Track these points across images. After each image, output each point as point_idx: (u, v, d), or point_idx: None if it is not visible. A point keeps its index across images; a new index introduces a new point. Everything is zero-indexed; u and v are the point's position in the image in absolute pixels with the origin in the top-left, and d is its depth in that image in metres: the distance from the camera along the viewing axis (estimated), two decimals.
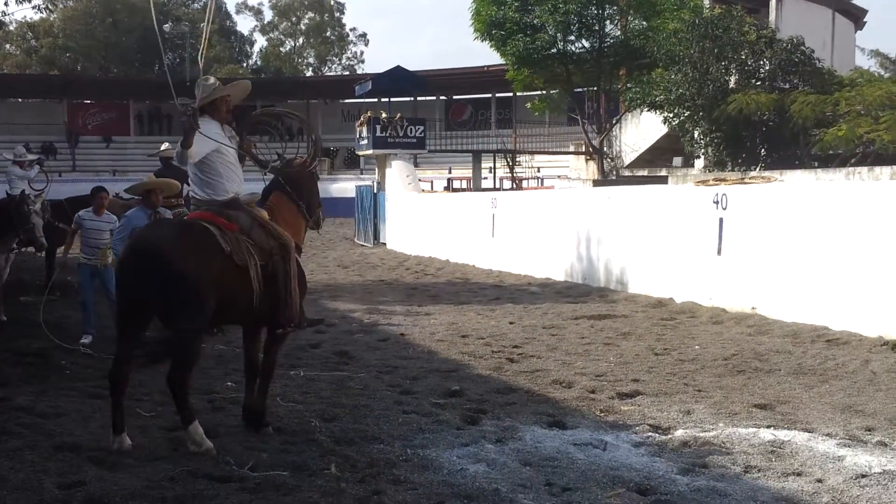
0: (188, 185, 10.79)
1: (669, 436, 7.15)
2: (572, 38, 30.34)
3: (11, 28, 52.79)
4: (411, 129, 31.33)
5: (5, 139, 49.06)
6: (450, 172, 44.33)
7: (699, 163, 26.31)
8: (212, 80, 7.35)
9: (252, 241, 7.04)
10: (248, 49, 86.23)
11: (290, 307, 7.24)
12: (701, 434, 7.11)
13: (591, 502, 5.64)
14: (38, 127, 54.72)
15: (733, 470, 6.27)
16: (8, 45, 73.98)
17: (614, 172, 32.66)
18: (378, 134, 30.92)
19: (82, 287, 11.61)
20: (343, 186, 43.77)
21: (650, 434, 7.18)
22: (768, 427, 7.31)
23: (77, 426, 7.22)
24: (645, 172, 30.39)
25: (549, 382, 9.19)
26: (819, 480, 6.01)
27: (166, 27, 76.83)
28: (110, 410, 6.72)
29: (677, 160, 29.40)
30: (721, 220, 14.13)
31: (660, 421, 7.59)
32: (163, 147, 15.38)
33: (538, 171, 41.27)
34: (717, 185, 15.21)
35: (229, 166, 7.24)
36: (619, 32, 30.51)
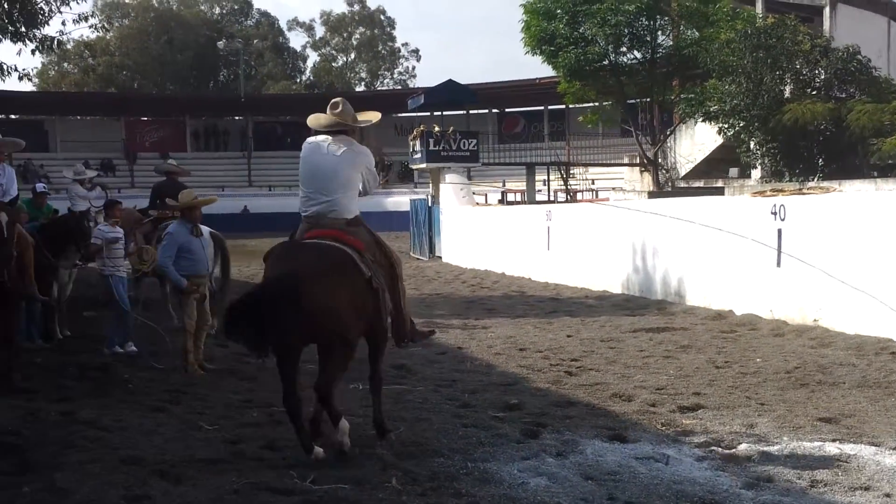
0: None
1: (733, 450, 7.06)
2: (623, 49, 30.21)
3: (69, 47, 53.64)
4: (464, 142, 31.33)
5: (65, 157, 50.07)
6: (503, 185, 44.26)
7: (756, 173, 26.07)
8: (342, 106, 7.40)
9: (373, 259, 7.21)
10: (301, 65, 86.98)
11: (405, 323, 7.51)
12: (765, 448, 7.03)
13: None
14: (97, 144, 55.59)
15: (799, 484, 6.19)
16: (66, 64, 75.29)
17: (669, 184, 32.44)
18: (431, 147, 30.96)
19: (121, 298, 11.79)
20: (397, 200, 43.89)
21: (713, 448, 7.11)
22: (833, 441, 7.20)
23: (141, 439, 7.31)
24: (701, 184, 30.16)
25: (608, 396, 9.13)
26: (887, 495, 5.91)
27: (220, 44, 77.95)
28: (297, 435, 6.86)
29: (733, 171, 29.16)
30: (780, 231, 13.96)
31: (722, 435, 7.50)
32: (169, 162, 15.85)
33: (592, 183, 41.09)
34: (774, 195, 15.04)
35: (357, 185, 7.34)
36: (670, 43, 30.33)
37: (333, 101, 7.49)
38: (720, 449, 7.10)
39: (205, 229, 11.96)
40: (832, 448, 7.00)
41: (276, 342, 6.67)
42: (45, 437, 7.27)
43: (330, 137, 7.32)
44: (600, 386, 9.59)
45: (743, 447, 7.10)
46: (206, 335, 10.93)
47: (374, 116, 7.82)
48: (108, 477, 6.27)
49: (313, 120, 7.50)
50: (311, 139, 7.44)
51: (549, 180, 35.90)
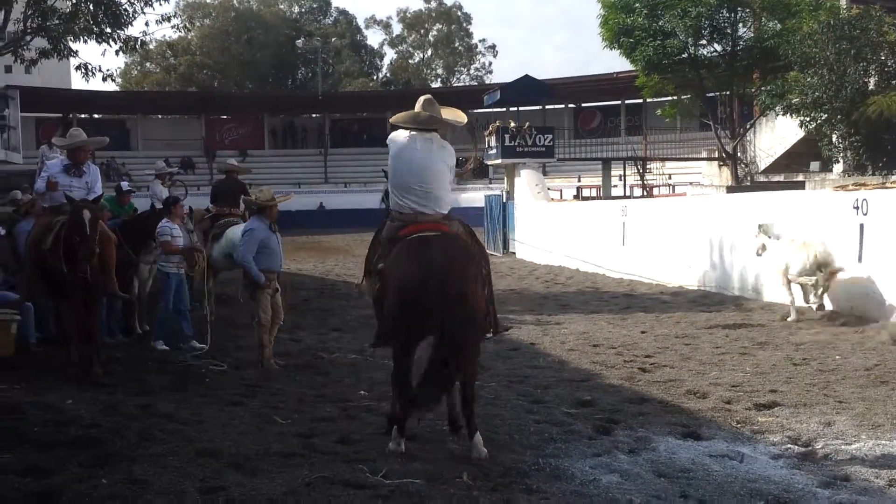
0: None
1: (809, 448, 6.95)
2: (703, 42, 29.85)
3: (151, 47, 54.66)
4: (539, 137, 31.19)
5: (146, 155, 51.00)
6: (579, 181, 43.98)
7: (838, 167, 25.54)
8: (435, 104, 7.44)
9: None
10: (378, 62, 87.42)
11: (493, 314, 7.50)
12: (843, 447, 6.90)
13: None
14: (178, 143, 56.49)
15: (877, 483, 6.07)
16: (148, 64, 76.68)
17: (749, 178, 31.95)
18: (507, 143, 30.90)
19: (166, 296, 12.07)
20: (472, 196, 43.89)
21: (789, 446, 7.00)
22: None
23: (217, 433, 7.43)
24: (781, 178, 29.63)
25: (682, 393, 9.04)
26: None
27: (298, 42, 78.67)
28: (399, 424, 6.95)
29: (814, 165, 28.59)
30: (862, 227, 13.66)
31: (799, 433, 7.38)
32: (229, 161, 16.20)
33: (669, 178, 40.64)
34: (856, 189, 14.72)
35: (449, 180, 7.41)
36: (751, 35, 29.86)
37: (426, 98, 7.48)
38: (796, 447, 6.99)
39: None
40: None
41: (441, 334, 6.56)
42: (124, 430, 7.42)
43: (417, 134, 7.34)
44: (674, 383, 9.49)
45: (820, 445, 6.98)
46: (277, 329, 11.04)
47: (461, 117, 7.79)
48: (185, 469, 6.40)
49: (405, 117, 7.48)
50: (398, 136, 7.44)
51: (625, 175, 35.59)
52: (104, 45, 19.15)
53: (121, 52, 20.05)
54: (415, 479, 6.19)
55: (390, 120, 7.61)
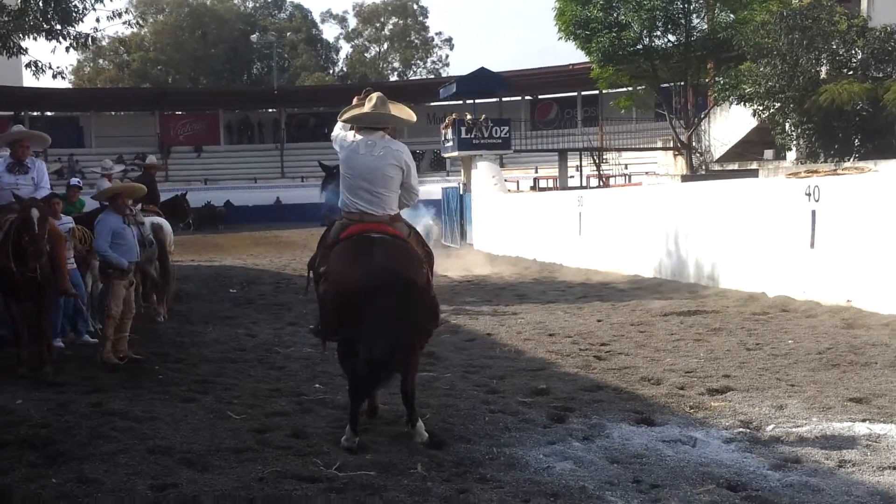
0: None
1: (761, 431, 7.00)
2: (658, 33, 29.98)
3: (104, 43, 53.98)
4: (496, 129, 31.30)
5: (100, 152, 50.41)
6: (536, 172, 44.11)
7: (791, 155, 25.78)
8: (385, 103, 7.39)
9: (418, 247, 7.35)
10: (334, 56, 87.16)
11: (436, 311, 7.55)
12: (793, 429, 6.96)
13: (679, 499, 5.54)
14: (132, 139, 55.92)
15: (827, 465, 6.12)
16: (101, 60, 75.89)
17: (704, 167, 32.16)
18: (463, 136, 30.96)
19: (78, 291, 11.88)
20: (429, 189, 43.82)
21: (741, 430, 7.04)
22: (864, 421, 7.11)
23: (169, 429, 7.34)
24: (735, 166, 29.83)
25: (637, 379, 9.08)
26: None
27: (253, 37, 78.23)
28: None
29: (768, 153, 28.83)
30: (814, 213, 13.80)
31: (751, 416, 7.43)
32: (148, 159, 16.39)
33: (626, 168, 40.85)
34: (808, 177, 14.90)
35: (398, 182, 7.34)
36: (705, 26, 30.05)
37: (378, 96, 7.36)
38: (748, 430, 7.03)
39: (149, 219, 13.26)
40: (862, 428, 6.92)
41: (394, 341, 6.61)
42: (75, 429, 7.31)
43: (366, 134, 7.27)
44: (629, 370, 9.54)
45: (771, 428, 7.03)
46: (130, 324, 10.91)
47: (411, 115, 7.72)
48: (136, 467, 6.32)
49: (356, 116, 7.38)
50: (346, 137, 7.36)
51: (581, 166, 35.73)
52: (54, 42, 18.83)
53: (71, 49, 19.75)
54: (368, 471, 6.17)
55: (340, 118, 7.52)
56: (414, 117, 7.72)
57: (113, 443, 6.93)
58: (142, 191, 12.11)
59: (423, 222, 14.34)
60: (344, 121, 7.43)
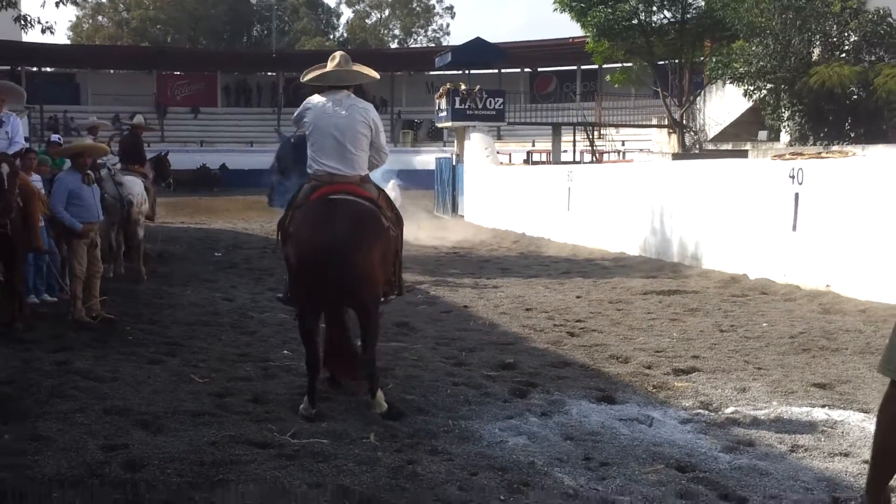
0: None
1: (719, 413, 7.00)
2: (654, 9, 29.82)
3: (104, 0, 53.80)
4: (490, 101, 31.17)
5: (96, 110, 50.16)
6: (533, 145, 44.02)
7: (784, 137, 25.71)
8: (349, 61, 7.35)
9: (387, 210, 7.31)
10: (335, 21, 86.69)
11: (399, 276, 7.63)
12: (752, 412, 6.94)
13: (626, 477, 5.54)
14: (128, 98, 55.54)
15: (779, 449, 6.12)
16: (100, 17, 75.45)
17: (697, 146, 32.10)
18: (457, 106, 30.83)
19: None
20: (425, 159, 43.78)
21: (699, 411, 7.05)
22: (823, 406, 7.10)
23: (130, 390, 7.35)
24: (729, 146, 29.79)
25: (605, 357, 9.07)
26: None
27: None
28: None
29: (762, 134, 28.77)
30: (797, 196, 13.77)
31: (712, 398, 7.43)
32: (136, 119, 16.35)
33: (622, 144, 40.77)
34: (793, 159, 14.84)
35: (367, 142, 7.26)
36: (702, 3, 29.89)
37: (342, 55, 7.34)
38: (706, 412, 7.04)
39: (131, 178, 13.46)
40: (820, 413, 6.92)
41: (324, 304, 6.83)
42: (35, 387, 7.32)
43: (332, 94, 7.19)
44: (599, 347, 9.52)
45: (730, 410, 7.02)
46: (99, 282, 10.93)
47: (374, 73, 7.67)
48: (91, 426, 6.35)
49: (319, 76, 7.29)
50: (313, 100, 7.28)
51: (574, 141, 35.62)
52: None
53: (66, 4, 19.66)
54: (322, 439, 6.18)
55: (302, 79, 7.45)
56: (377, 75, 7.68)
57: (71, 401, 6.94)
58: (104, 151, 12.06)
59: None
60: (308, 81, 7.36)
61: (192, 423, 6.51)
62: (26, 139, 12.24)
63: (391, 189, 19.14)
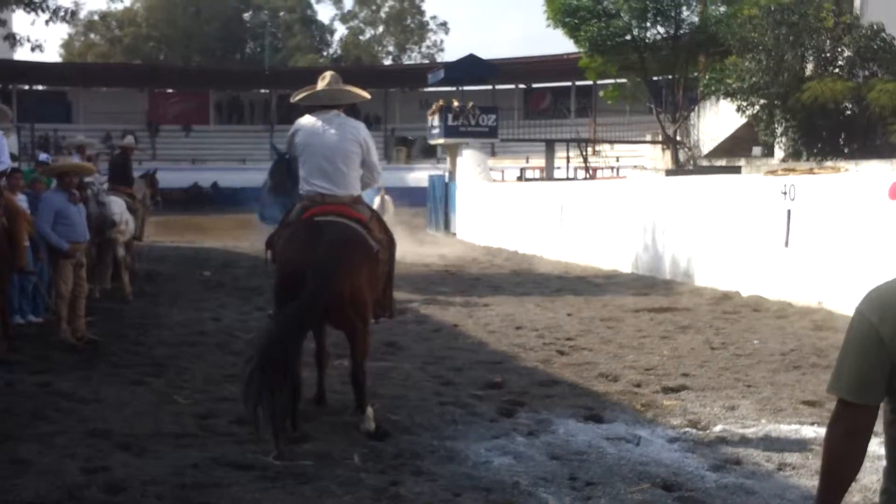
0: None
1: (707, 431, 6.94)
2: (647, 24, 29.84)
3: (96, 18, 53.73)
4: (484, 117, 31.18)
5: (88, 128, 50.09)
6: (527, 162, 43.98)
7: (779, 153, 25.68)
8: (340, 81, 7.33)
9: (378, 232, 7.27)
10: (329, 38, 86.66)
11: (390, 298, 7.65)
12: (740, 430, 6.89)
13: (612, 497, 5.48)
14: (120, 116, 55.33)
15: (766, 467, 6.06)
16: (92, 35, 75.37)
17: (692, 162, 32.06)
18: (450, 123, 30.83)
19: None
20: (419, 176, 43.75)
21: (687, 429, 6.99)
22: (812, 424, 7.05)
23: (112, 412, 7.28)
24: (723, 162, 29.72)
25: (595, 375, 9.01)
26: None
27: (246, 16, 77.71)
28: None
29: (756, 150, 28.72)
30: (789, 212, 13.75)
31: (700, 416, 7.37)
32: (126, 140, 16.49)
33: (617, 160, 40.76)
34: (785, 175, 14.82)
35: (358, 162, 7.22)
36: (695, 18, 29.93)
37: (332, 74, 7.35)
38: (694, 430, 6.97)
39: (113, 199, 13.35)
40: (809, 431, 6.86)
41: (309, 325, 6.73)
42: (17, 409, 7.25)
43: (322, 114, 7.16)
44: (589, 365, 9.46)
45: (718, 429, 6.97)
46: (85, 304, 10.86)
47: (364, 94, 7.64)
48: (72, 449, 6.27)
49: (310, 96, 7.29)
50: (305, 122, 7.24)
51: (568, 157, 35.61)
52: (33, 14, 18.73)
53: (51, 22, 19.65)
54: (305, 460, 6.10)
55: (292, 100, 7.43)
56: (368, 95, 7.65)
57: (53, 424, 6.88)
58: (91, 170, 12.03)
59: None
60: (298, 101, 7.33)
61: (174, 445, 6.43)
62: (15, 158, 12.20)
63: (379, 201, 19.15)
